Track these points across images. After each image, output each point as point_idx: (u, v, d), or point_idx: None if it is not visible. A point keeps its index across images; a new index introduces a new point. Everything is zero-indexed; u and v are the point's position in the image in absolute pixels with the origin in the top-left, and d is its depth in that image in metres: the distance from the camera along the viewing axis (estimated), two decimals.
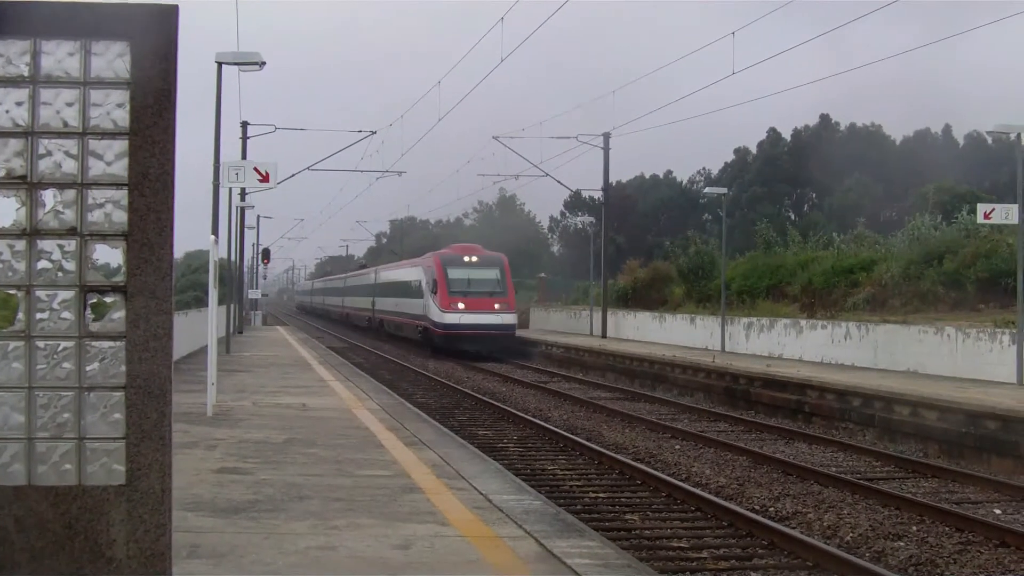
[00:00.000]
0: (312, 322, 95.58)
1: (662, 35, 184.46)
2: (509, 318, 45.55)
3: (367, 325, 68.41)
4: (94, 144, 5.15)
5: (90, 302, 5.16)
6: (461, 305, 45.02)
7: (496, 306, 45.20)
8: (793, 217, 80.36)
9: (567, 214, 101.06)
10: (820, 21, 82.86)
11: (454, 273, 46.26)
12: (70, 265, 5.14)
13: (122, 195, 5.15)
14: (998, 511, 14.25)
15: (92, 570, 5.09)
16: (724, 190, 41.46)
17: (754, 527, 12.55)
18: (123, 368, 5.13)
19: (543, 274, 77.36)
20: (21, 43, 5.12)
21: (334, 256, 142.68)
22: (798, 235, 52.71)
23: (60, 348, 5.13)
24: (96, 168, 5.15)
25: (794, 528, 12.83)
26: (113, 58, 5.15)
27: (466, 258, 47.59)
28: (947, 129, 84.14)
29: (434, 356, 45.56)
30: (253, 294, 67.25)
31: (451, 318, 44.86)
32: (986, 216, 23.83)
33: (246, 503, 9.31)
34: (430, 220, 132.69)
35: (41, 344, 5.13)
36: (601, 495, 14.97)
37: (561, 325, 55.35)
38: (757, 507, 14.20)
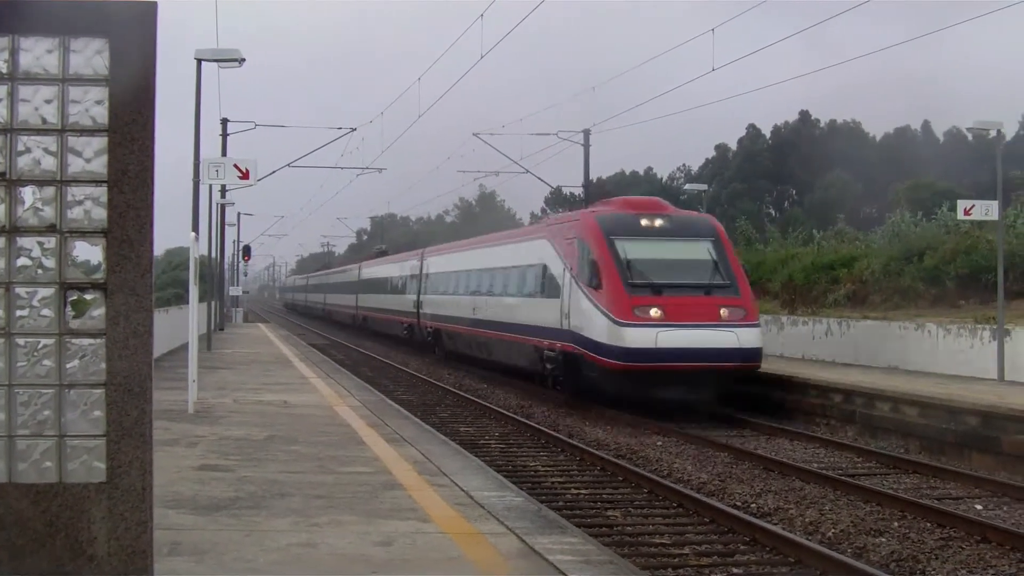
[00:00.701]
0: (294, 319, 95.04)
1: (642, 31, 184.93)
2: (749, 336, 23.05)
3: (405, 336, 46.53)
4: (73, 141, 5.13)
5: (70, 299, 5.14)
6: (655, 311, 22.80)
7: (723, 312, 23.12)
8: (773, 214, 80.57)
9: (548, 211, 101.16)
10: (800, 18, 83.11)
11: (633, 249, 24.04)
12: (50, 262, 5.13)
13: (101, 192, 5.14)
14: (979, 507, 14.30)
15: (73, 567, 5.08)
16: (704, 187, 41.64)
17: (736, 523, 12.56)
18: (103, 365, 5.12)
19: None
20: None
21: (316, 254, 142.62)
22: (776, 232, 52.76)
23: (40, 345, 5.12)
24: (75, 165, 5.14)
25: (776, 524, 12.84)
26: (92, 55, 5.13)
27: (645, 220, 24.90)
28: (926, 126, 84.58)
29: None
30: (234, 291, 66.93)
31: (637, 337, 22.49)
32: (966, 212, 23.89)
33: (227, 500, 9.29)
34: (411, 217, 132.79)
35: (21, 341, 5.11)
36: (583, 492, 14.96)
37: None
38: (739, 503, 14.21)
